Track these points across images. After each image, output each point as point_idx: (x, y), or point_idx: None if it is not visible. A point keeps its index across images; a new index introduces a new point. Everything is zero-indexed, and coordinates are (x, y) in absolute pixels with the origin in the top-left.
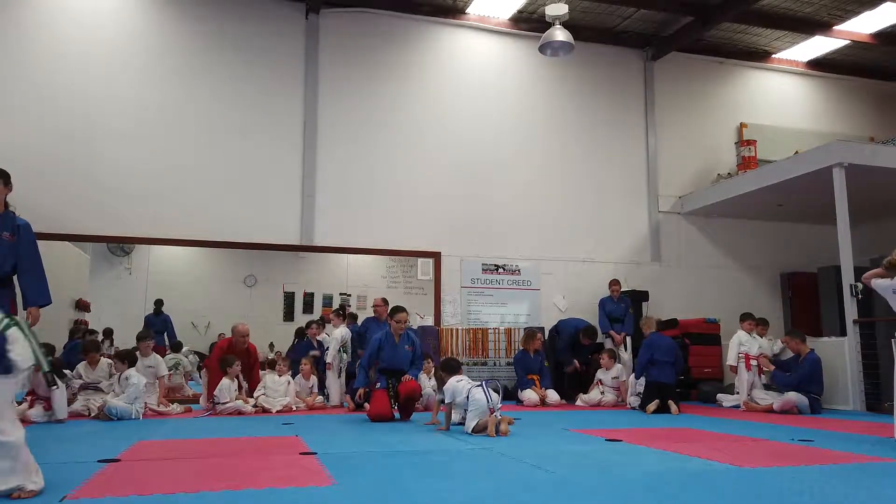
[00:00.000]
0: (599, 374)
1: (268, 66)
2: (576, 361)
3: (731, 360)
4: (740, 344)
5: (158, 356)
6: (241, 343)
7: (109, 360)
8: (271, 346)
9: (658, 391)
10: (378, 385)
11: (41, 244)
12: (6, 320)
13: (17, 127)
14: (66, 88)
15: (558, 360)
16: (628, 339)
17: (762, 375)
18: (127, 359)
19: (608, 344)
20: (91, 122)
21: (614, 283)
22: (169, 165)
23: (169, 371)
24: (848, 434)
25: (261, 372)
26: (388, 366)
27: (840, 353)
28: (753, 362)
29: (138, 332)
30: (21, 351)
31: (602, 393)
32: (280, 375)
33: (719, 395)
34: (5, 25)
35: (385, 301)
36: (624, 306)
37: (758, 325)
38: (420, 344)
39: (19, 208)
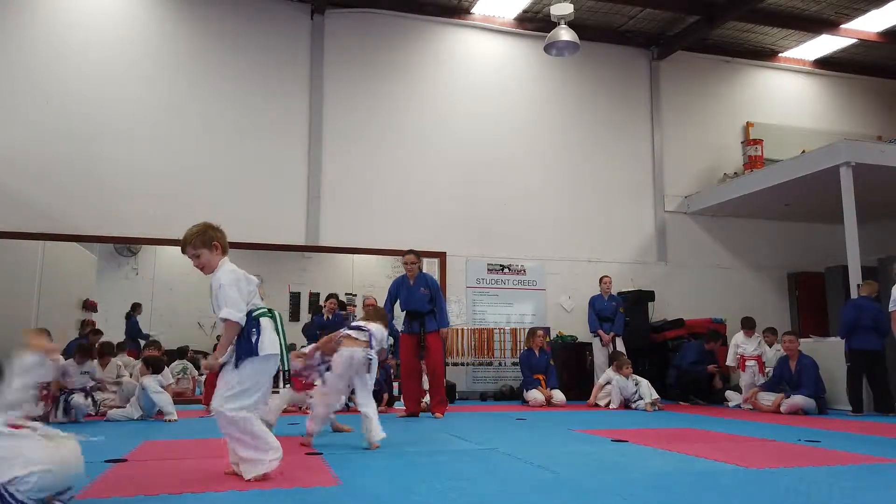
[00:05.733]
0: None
1: (273, 66)
2: (600, 332)
3: (729, 361)
4: (737, 346)
5: (167, 369)
6: None
7: (119, 363)
8: None
9: (864, 361)
10: (402, 330)
11: (48, 245)
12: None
13: (23, 128)
14: (71, 90)
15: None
16: (618, 340)
17: (763, 375)
18: (153, 366)
19: (596, 344)
20: (97, 124)
21: (605, 279)
22: (175, 166)
23: (178, 376)
24: (855, 435)
25: None
26: (406, 307)
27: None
28: (750, 363)
29: (147, 342)
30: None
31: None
32: None
33: (727, 394)
34: (8, 28)
35: (376, 301)
36: (615, 305)
37: (771, 334)
38: (438, 288)
39: (27, 209)
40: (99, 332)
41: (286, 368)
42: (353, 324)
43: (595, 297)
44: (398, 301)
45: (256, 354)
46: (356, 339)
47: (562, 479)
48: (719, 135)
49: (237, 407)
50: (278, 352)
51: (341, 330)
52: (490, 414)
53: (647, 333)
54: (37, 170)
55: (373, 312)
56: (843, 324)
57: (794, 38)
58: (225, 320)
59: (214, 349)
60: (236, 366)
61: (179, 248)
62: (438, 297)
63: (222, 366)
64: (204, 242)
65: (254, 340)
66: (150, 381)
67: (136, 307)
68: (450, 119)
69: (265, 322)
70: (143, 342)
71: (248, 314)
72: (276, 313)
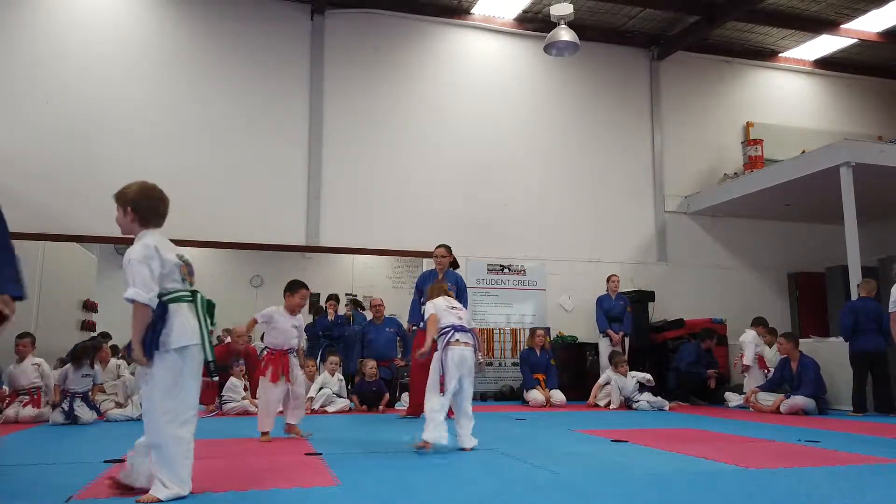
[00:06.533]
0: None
1: (273, 66)
2: (609, 331)
3: (748, 360)
4: (756, 345)
5: None
6: (237, 343)
7: (118, 363)
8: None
9: (868, 363)
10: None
11: (49, 245)
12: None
13: (23, 129)
14: (71, 90)
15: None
16: (626, 340)
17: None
18: None
19: (604, 344)
20: (97, 124)
21: (612, 277)
22: (175, 166)
23: None
24: (855, 435)
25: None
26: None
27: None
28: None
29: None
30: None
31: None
32: None
33: (727, 395)
34: (8, 27)
35: (382, 301)
36: (623, 304)
37: (769, 334)
38: (465, 288)
39: (27, 209)
40: (107, 336)
41: (210, 359)
42: (457, 323)
43: (603, 297)
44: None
45: (158, 348)
46: (466, 342)
47: (561, 479)
48: (719, 135)
49: (161, 412)
50: (194, 342)
51: (440, 324)
52: (490, 414)
53: (648, 334)
54: (37, 170)
55: (442, 289)
56: (843, 329)
57: (794, 38)
58: (130, 301)
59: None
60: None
61: (179, 248)
62: (465, 299)
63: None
64: (122, 203)
65: (157, 330)
66: None
67: (87, 303)
68: (450, 119)
69: (175, 308)
70: None
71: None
72: (201, 297)
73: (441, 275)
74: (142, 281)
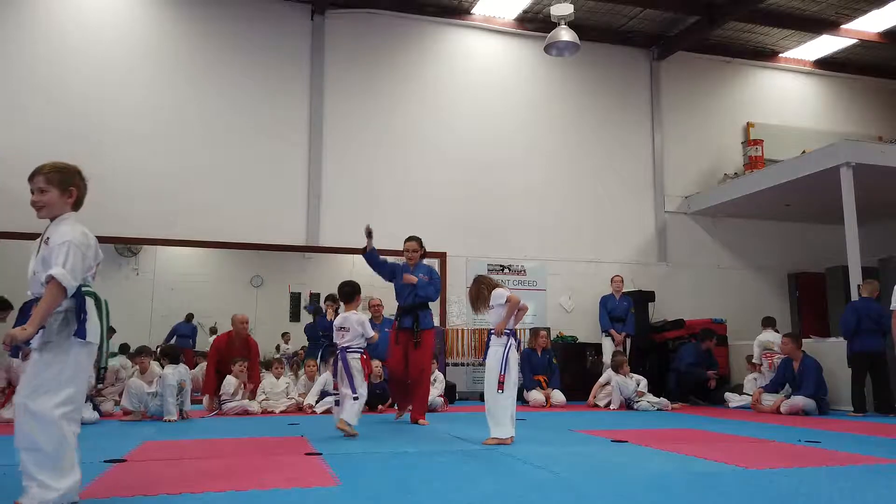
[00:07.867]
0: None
1: (274, 67)
2: (612, 331)
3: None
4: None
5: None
6: (241, 330)
7: (117, 365)
8: (277, 347)
9: (867, 363)
10: (397, 326)
11: None
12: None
13: (23, 128)
14: (72, 89)
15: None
16: (628, 340)
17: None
18: (170, 356)
19: (607, 344)
20: (98, 124)
21: (616, 278)
22: (175, 166)
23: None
24: (855, 435)
25: (261, 374)
26: (400, 294)
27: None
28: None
29: (138, 347)
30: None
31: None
32: (277, 378)
33: (727, 395)
34: (9, 27)
35: (381, 301)
36: (626, 305)
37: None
38: (438, 277)
39: (28, 209)
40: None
41: (103, 365)
42: (514, 328)
43: (607, 297)
44: (394, 290)
45: (83, 338)
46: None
47: (561, 480)
48: (720, 135)
49: (56, 403)
50: (97, 342)
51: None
52: None
53: (648, 334)
54: None
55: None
56: (844, 329)
57: (795, 38)
58: (51, 279)
59: (211, 347)
60: (47, 349)
61: (179, 248)
62: (434, 277)
63: (28, 343)
64: (61, 182)
65: (82, 321)
66: (169, 371)
67: (191, 316)
68: (450, 119)
69: (90, 303)
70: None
71: (77, 289)
72: (104, 300)
73: (412, 268)
74: (72, 266)
